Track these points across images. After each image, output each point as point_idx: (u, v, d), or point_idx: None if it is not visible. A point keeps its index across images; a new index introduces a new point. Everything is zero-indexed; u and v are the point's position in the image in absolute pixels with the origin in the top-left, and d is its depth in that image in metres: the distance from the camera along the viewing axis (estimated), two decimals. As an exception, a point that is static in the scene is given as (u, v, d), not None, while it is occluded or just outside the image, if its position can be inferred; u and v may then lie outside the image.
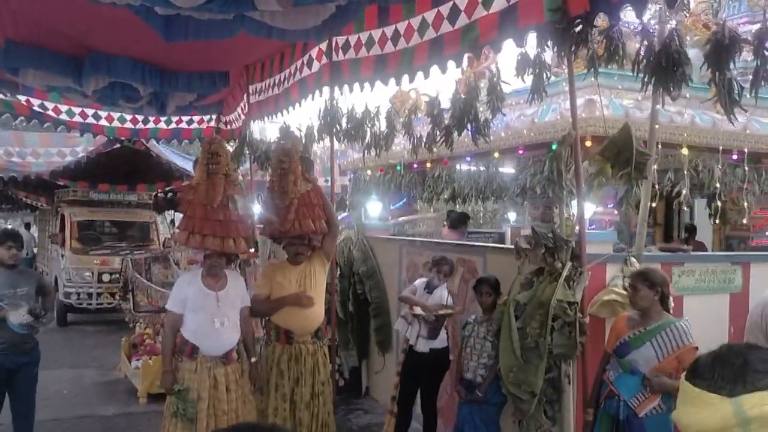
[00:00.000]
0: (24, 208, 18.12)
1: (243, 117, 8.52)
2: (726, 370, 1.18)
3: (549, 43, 4.07)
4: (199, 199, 4.51)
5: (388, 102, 7.68)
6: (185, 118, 9.95)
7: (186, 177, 11.57)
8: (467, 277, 5.43)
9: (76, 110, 9.58)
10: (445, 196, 9.13)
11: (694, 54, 4.48)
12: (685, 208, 7.31)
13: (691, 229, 9.63)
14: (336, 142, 6.62)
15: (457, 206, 9.87)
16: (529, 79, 4.56)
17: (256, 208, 7.05)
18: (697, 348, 3.64)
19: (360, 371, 7.21)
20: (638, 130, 4.97)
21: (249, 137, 8.17)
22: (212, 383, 4.37)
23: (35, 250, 17.13)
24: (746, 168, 7.05)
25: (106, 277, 11.38)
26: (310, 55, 6.45)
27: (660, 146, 6.49)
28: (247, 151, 8.21)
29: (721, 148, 6.77)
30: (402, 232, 8.13)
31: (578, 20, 3.78)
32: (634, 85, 5.26)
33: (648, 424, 3.65)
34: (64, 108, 9.46)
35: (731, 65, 3.78)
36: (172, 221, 16.87)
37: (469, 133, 5.20)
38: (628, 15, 5.56)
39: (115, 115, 9.70)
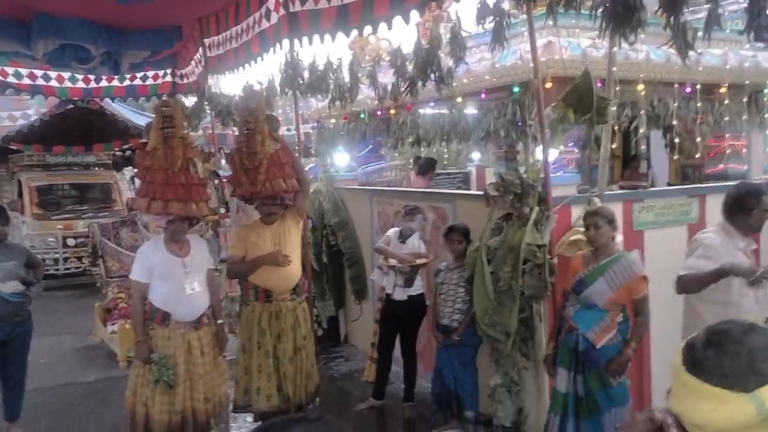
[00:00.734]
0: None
1: (199, 70, 8.34)
2: (734, 363, 1.14)
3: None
4: (158, 164, 4.42)
5: (347, 49, 7.59)
6: (139, 75, 9.66)
7: (145, 134, 11.37)
8: (438, 224, 5.55)
9: (24, 72, 9.24)
10: (410, 141, 9.17)
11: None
12: (643, 146, 7.50)
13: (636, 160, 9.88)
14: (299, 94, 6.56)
15: (422, 150, 9.92)
16: (489, 26, 4.59)
17: (226, 167, 7.00)
18: (645, 277, 3.85)
19: (338, 320, 7.37)
20: (596, 70, 5.07)
21: (208, 92, 8.01)
22: (186, 348, 4.42)
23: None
24: (699, 101, 7.23)
25: (71, 242, 11.25)
26: (267, 6, 6.30)
27: (618, 83, 6.64)
28: (207, 106, 8.06)
29: (676, 82, 6.92)
30: (370, 181, 8.18)
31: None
32: (590, 25, 5.32)
33: (603, 353, 3.88)
34: (10, 70, 9.12)
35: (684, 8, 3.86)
36: (132, 178, 16.60)
37: (433, 82, 5.23)
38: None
39: (66, 75, 9.38)
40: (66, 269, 11.23)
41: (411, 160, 8.93)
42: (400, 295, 5.17)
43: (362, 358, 6.36)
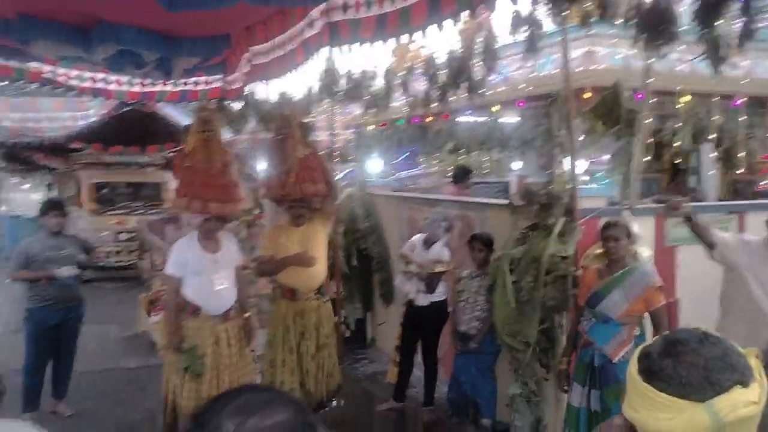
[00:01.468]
0: (41, 169, 18.45)
1: (245, 77, 8.60)
2: (691, 373, 1.15)
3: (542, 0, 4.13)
4: (198, 165, 4.64)
5: (386, 57, 7.72)
6: (191, 80, 10.02)
7: (183, 137, 11.81)
8: (465, 232, 5.59)
9: (86, 75, 9.69)
10: (448, 149, 9.21)
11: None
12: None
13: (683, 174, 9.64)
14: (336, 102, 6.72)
15: (461, 158, 9.94)
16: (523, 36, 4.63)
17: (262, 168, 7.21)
18: (661, 287, 3.80)
19: (365, 323, 7.49)
20: (637, 80, 5.03)
21: (252, 98, 8.26)
22: (214, 340, 4.61)
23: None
24: (747, 114, 7.07)
25: (122, 237, 11.76)
26: (310, 16, 6.49)
27: (661, 95, 6.54)
28: (251, 112, 8.31)
29: (722, 95, 6.78)
30: (403, 188, 8.26)
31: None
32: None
33: (621, 368, 3.79)
34: (74, 73, 9.58)
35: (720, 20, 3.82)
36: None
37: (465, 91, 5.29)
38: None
39: (124, 78, 9.81)
40: (117, 262, 11.73)
41: (445, 169, 8.97)
42: (423, 301, 5.24)
43: (387, 360, 6.44)
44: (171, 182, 13.86)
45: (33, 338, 5.32)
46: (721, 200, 8.13)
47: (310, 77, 6.93)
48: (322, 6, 6.12)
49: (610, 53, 6.30)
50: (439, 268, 5.14)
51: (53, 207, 5.40)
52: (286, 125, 4.87)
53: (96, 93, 10.13)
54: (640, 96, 4.57)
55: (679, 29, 4.00)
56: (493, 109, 6.91)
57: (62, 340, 5.44)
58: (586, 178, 7.26)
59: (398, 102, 7.13)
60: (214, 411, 1.03)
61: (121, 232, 11.80)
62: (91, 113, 12.64)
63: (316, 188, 4.87)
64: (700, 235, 3.93)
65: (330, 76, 6.19)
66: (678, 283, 4.91)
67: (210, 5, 4.82)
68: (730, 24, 4.03)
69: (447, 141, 7.62)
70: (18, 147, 12.76)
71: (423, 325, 5.35)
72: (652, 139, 5.06)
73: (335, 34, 6.00)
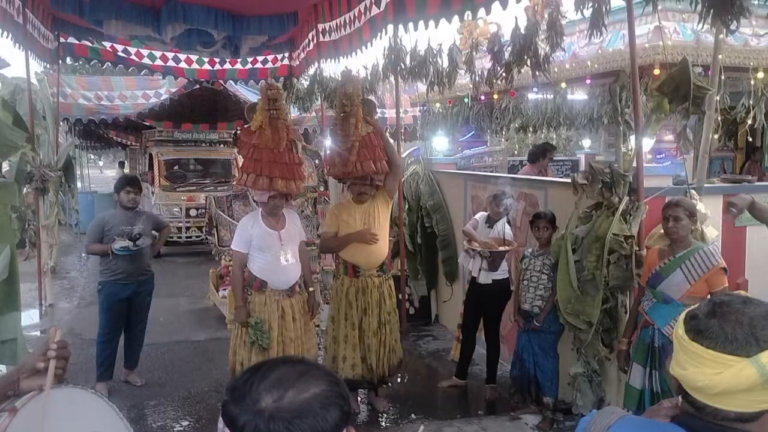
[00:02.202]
0: (115, 146, 19.22)
1: (314, 55, 8.72)
2: (736, 330, 1.22)
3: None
4: (265, 142, 4.75)
5: (450, 35, 7.68)
6: (260, 58, 10.26)
7: (247, 115, 12.06)
8: (529, 211, 5.57)
9: (157, 54, 10.07)
10: (516, 126, 9.12)
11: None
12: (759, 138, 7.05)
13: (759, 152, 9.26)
14: (401, 79, 6.74)
15: (529, 136, 9.82)
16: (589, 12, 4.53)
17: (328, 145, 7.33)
18: (725, 269, 3.71)
19: (429, 300, 7.54)
20: (710, 56, 4.86)
21: (319, 75, 8.36)
22: (280, 314, 4.76)
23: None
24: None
25: (192, 212, 12.12)
26: (377, -7, 6.51)
27: (734, 71, 6.29)
28: (318, 90, 8.42)
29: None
30: (468, 166, 8.24)
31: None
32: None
33: None
34: (145, 53, 9.96)
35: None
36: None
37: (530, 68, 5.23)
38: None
39: (194, 57, 10.12)
40: (187, 237, 12.11)
41: (507, 148, 8.87)
42: (485, 278, 5.25)
43: (451, 338, 6.49)
44: (240, 159, 14.26)
45: (106, 310, 5.53)
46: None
47: (376, 54, 6.98)
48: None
49: (679, 28, 6.09)
50: (501, 248, 5.13)
51: (128, 183, 5.59)
52: (348, 103, 4.92)
53: (167, 71, 10.49)
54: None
55: (750, 3, 3.85)
56: (561, 86, 6.79)
57: (133, 312, 5.65)
58: (655, 156, 7.09)
59: (464, 80, 7.09)
60: (251, 385, 1.07)
61: (191, 208, 12.17)
62: (162, 91, 13.03)
63: (377, 166, 4.91)
64: (762, 219, 3.82)
65: (395, 53, 6.21)
66: (747, 264, 4.79)
67: (277, -18, 4.91)
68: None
69: (514, 118, 7.53)
70: (93, 124, 13.27)
71: (485, 303, 5.36)
72: (721, 117, 4.89)
73: (401, 11, 6.03)
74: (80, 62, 12.04)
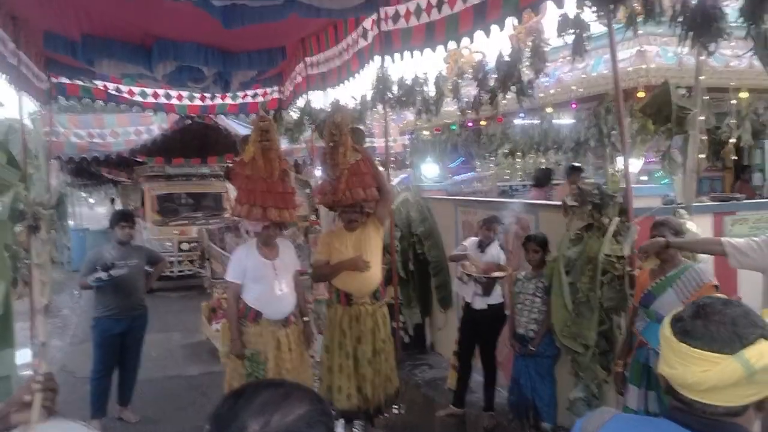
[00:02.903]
0: (106, 183, 19.24)
1: (302, 88, 8.82)
2: (720, 329, 1.30)
3: (588, 2, 4.13)
4: (258, 173, 4.80)
5: (437, 64, 7.81)
6: (250, 93, 10.34)
7: (239, 146, 12.17)
8: (520, 234, 5.59)
9: (149, 91, 10.14)
10: (504, 151, 9.20)
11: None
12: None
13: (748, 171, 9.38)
14: (389, 108, 6.81)
15: (518, 161, 9.89)
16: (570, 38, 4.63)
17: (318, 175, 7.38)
18: (716, 286, 3.72)
19: (424, 328, 7.50)
20: (693, 78, 4.94)
21: (308, 107, 8.44)
22: (276, 345, 4.74)
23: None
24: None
25: (185, 246, 12.11)
26: (363, 27, 6.64)
27: (717, 92, 6.39)
28: (308, 120, 8.49)
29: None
30: (457, 192, 8.28)
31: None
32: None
33: None
34: (137, 90, 10.04)
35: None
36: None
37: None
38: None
39: (185, 93, 10.20)
40: (179, 272, 12.07)
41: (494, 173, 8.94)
42: (480, 304, 5.25)
43: (446, 366, 6.44)
44: (231, 192, 14.31)
45: (100, 346, 5.52)
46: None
47: (364, 84, 7.07)
48: (374, 16, 6.26)
49: (661, 52, 6.21)
50: (495, 274, 5.13)
51: (122, 218, 5.63)
52: (337, 132, 4.97)
53: (158, 108, 10.57)
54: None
55: (728, 25, 3.95)
56: (547, 111, 6.88)
57: (127, 347, 5.63)
58: (644, 177, 7.16)
59: (451, 107, 7.17)
60: (235, 412, 1.06)
61: (183, 242, 12.16)
62: (154, 127, 13.12)
63: (366, 193, 4.93)
64: (697, 251, 3.92)
65: (383, 83, 6.29)
66: (740, 282, 4.80)
67: (263, 19, 5.00)
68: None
69: (501, 144, 7.61)
70: (85, 162, 13.33)
71: (480, 329, 5.35)
72: (705, 137, 4.97)
73: (387, 43, 6.13)
74: (72, 101, 12.12)
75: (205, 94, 10.17)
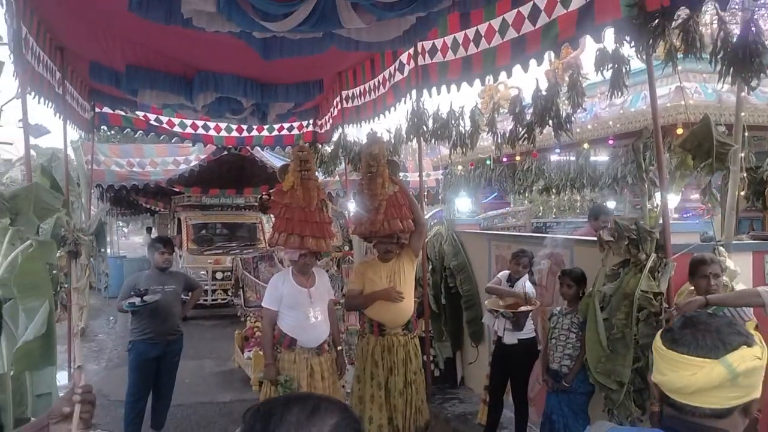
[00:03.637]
0: (144, 212, 19.62)
1: (338, 121, 8.95)
2: (706, 337, 1.44)
3: (627, 37, 4.15)
4: (297, 202, 4.89)
5: (473, 98, 7.86)
6: (286, 125, 10.53)
7: (279, 176, 12.33)
8: (555, 270, 5.54)
9: (188, 122, 10.39)
10: (539, 187, 9.17)
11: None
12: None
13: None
14: (424, 142, 6.87)
15: (552, 197, 9.85)
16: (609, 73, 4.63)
17: (352, 207, 7.43)
18: (756, 325, 3.64)
19: (455, 362, 7.42)
20: (733, 115, 4.91)
21: (343, 140, 8.55)
22: (309, 372, 4.76)
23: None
24: None
25: (219, 275, 12.24)
26: (400, 60, 6.75)
27: (758, 130, 6.32)
28: (342, 154, 8.59)
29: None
30: (491, 227, 8.26)
31: (656, 15, 3.83)
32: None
33: None
34: (176, 121, 10.29)
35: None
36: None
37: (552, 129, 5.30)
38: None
39: (222, 125, 10.43)
40: (213, 300, 12.19)
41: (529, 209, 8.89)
42: (510, 338, 5.20)
43: (477, 401, 6.37)
44: (265, 223, 14.48)
45: (135, 369, 5.59)
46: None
47: (398, 117, 7.15)
48: (411, 50, 6.36)
49: (701, 88, 6.18)
50: (522, 307, 5.08)
51: (161, 243, 5.75)
52: (374, 163, 5.03)
53: (196, 139, 10.80)
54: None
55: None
56: (584, 147, 6.87)
57: (162, 372, 5.70)
58: (682, 215, 7.06)
59: (486, 142, 7.20)
60: (267, 430, 1.07)
61: (218, 271, 12.29)
62: (192, 158, 13.38)
63: (403, 224, 4.98)
64: (737, 305, 3.85)
65: (417, 117, 6.35)
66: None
67: (302, 52, 5.11)
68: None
69: (536, 179, 7.59)
70: (124, 190, 13.63)
71: (511, 364, 5.28)
72: (745, 175, 4.91)
73: (425, 76, 6.21)
74: (113, 131, 12.46)
75: (242, 126, 10.40)
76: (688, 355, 1.43)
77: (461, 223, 7.85)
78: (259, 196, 14.26)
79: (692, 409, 1.44)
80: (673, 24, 4.01)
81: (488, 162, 8.00)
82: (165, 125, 10.32)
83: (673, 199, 4.79)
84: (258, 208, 14.24)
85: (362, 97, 7.93)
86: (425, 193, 7.95)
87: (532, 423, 5.45)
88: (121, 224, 30.54)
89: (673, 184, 4.40)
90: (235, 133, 10.76)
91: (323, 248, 4.98)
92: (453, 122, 6.35)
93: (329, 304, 5.04)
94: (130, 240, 32.95)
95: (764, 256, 4.73)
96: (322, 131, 9.95)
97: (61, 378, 7.79)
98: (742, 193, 4.65)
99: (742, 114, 4.57)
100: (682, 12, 4.31)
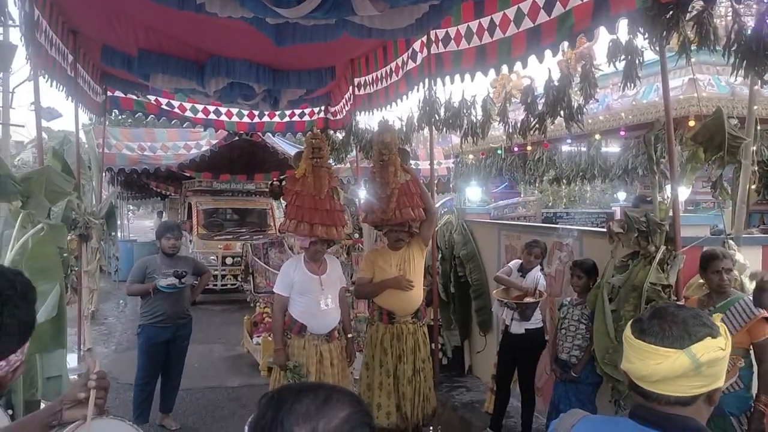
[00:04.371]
0: (154, 196, 19.72)
1: (348, 108, 8.94)
2: (673, 328, 1.49)
3: (641, 29, 4.13)
4: (308, 190, 4.91)
5: (485, 88, 7.82)
6: (297, 111, 10.53)
7: (293, 163, 12.33)
8: (564, 260, 5.55)
9: (199, 107, 10.41)
10: (549, 177, 9.16)
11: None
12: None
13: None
14: (435, 130, 6.86)
15: (563, 187, 9.83)
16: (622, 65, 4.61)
17: (363, 194, 7.44)
18: (766, 318, 3.64)
19: (462, 350, 7.46)
20: (745, 108, 4.88)
21: (355, 127, 8.55)
22: (318, 359, 4.80)
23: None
24: None
25: (229, 261, 12.30)
26: (413, 48, 6.71)
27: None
28: (353, 141, 8.59)
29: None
30: (501, 216, 8.26)
31: (670, 6, 3.81)
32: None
33: (726, 401, 3.65)
34: (188, 106, 10.31)
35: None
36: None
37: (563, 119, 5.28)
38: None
39: (234, 110, 10.44)
40: (223, 285, 12.26)
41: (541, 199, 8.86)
42: (517, 328, 5.22)
43: (484, 389, 6.41)
44: (275, 209, 14.52)
45: (145, 353, 5.65)
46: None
47: (410, 106, 7.13)
48: (424, 38, 6.34)
49: (714, 80, 6.14)
50: (527, 299, 5.10)
51: (169, 230, 5.78)
52: (386, 151, 5.04)
53: (208, 124, 10.82)
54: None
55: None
56: (595, 137, 6.84)
57: (171, 355, 5.76)
58: (690, 207, 7.05)
59: (497, 131, 7.19)
60: (280, 422, 1.06)
61: (227, 257, 12.35)
62: (203, 143, 13.41)
63: (415, 213, 4.99)
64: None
65: (429, 105, 6.34)
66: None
67: (315, 38, 5.11)
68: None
69: (547, 170, 7.58)
70: (135, 174, 13.69)
71: (518, 353, 5.31)
72: (758, 170, 4.89)
73: (438, 65, 6.18)
74: (124, 115, 12.52)
75: (254, 111, 10.41)
76: (654, 345, 1.48)
77: (471, 212, 7.86)
78: (269, 182, 14.30)
79: (658, 396, 1.49)
80: (688, 16, 3.99)
81: (499, 151, 7.98)
82: (176, 110, 10.34)
83: (684, 192, 4.77)
84: (269, 194, 14.29)
85: (374, 85, 7.91)
86: (436, 182, 7.95)
87: (539, 412, 5.48)
88: (131, 208, 30.69)
89: (684, 176, 4.38)
90: (246, 119, 10.76)
91: (334, 236, 5.00)
92: (465, 111, 6.33)
93: (340, 292, 5.06)
94: (138, 224, 33.14)
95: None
96: (335, 118, 9.94)
97: (71, 360, 7.92)
98: (753, 187, 4.63)
99: (755, 107, 4.54)
100: (697, 4, 4.29)
